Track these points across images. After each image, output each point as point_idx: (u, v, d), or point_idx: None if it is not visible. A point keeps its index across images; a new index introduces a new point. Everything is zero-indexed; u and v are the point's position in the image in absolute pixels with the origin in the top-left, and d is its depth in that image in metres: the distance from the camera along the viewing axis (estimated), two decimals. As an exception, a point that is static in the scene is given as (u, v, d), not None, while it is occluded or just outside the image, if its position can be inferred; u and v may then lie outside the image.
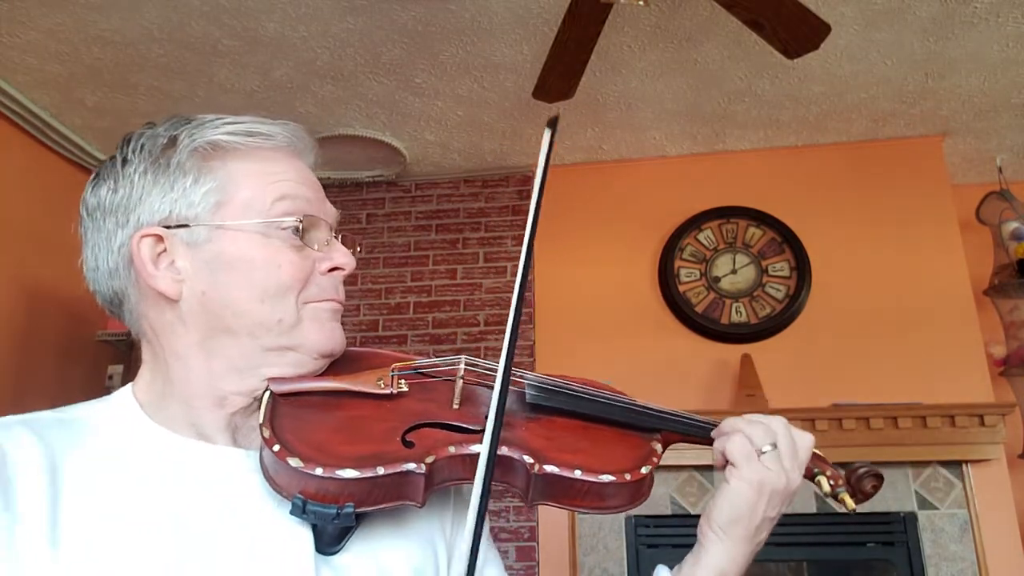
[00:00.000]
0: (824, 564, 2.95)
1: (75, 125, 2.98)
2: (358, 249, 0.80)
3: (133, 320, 0.75)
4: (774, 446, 0.75)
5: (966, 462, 2.78)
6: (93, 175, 0.75)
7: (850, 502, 0.80)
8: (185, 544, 0.64)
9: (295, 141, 0.77)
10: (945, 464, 2.80)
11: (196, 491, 0.67)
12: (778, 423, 0.77)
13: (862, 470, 0.82)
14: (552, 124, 0.75)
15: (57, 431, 0.67)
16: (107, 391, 3.35)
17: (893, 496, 2.78)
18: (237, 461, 0.71)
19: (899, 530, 2.76)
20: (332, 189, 3.52)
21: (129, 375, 3.09)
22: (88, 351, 3.17)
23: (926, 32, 2.50)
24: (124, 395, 0.74)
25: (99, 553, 0.61)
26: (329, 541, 0.68)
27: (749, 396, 2.89)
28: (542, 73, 2.24)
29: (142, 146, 0.72)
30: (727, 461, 0.76)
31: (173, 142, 0.72)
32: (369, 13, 2.40)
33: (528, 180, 3.41)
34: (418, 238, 3.43)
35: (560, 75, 2.23)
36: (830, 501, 0.82)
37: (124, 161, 0.73)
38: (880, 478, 0.81)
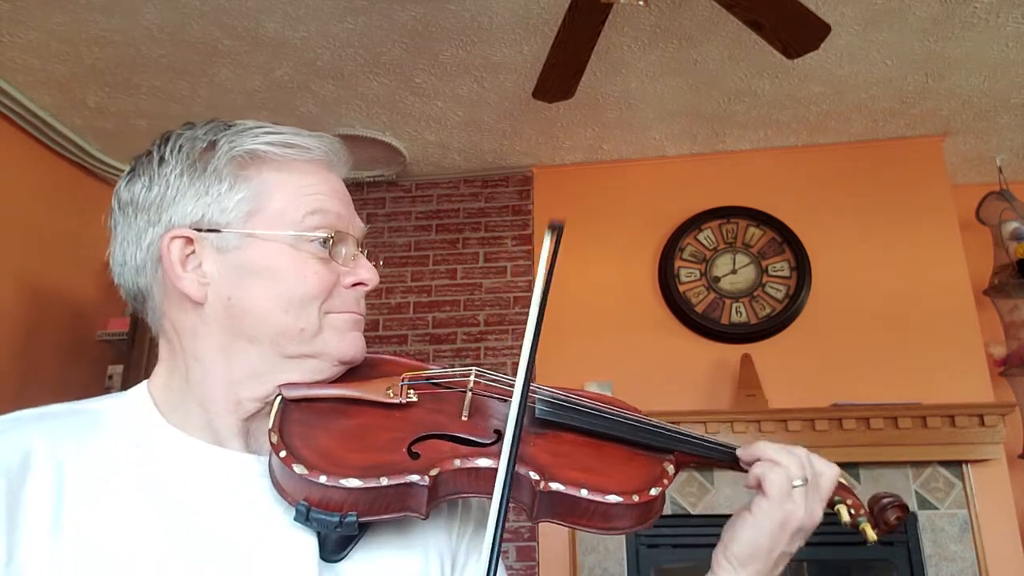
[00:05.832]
0: (824, 564, 2.95)
1: (76, 125, 2.98)
2: (380, 263, 0.80)
3: (155, 318, 0.76)
4: (805, 481, 0.74)
5: (966, 462, 2.78)
6: (128, 168, 0.76)
7: (871, 533, 0.77)
8: (190, 547, 0.64)
9: (331, 155, 0.77)
10: (945, 464, 2.80)
11: (205, 494, 0.68)
12: (804, 454, 0.76)
13: (886, 500, 0.79)
14: (556, 229, 0.71)
15: (71, 424, 0.68)
16: (107, 391, 3.34)
17: (893, 496, 2.79)
18: (248, 466, 0.71)
19: (899, 530, 2.76)
20: (332, 189, 3.52)
21: (129, 375, 3.10)
22: (89, 350, 3.17)
23: (926, 32, 2.50)
24: (140, 392, 0.74)
25: (102, 554, 0.61)
26: (333, 548, 0.68)
27: (749, 396, 2.89)
28: (542, 73, 2.24)
29: (180, 147, 0.73)
30: (758, 484, 0.75)
31: (212, 146, 0.72)
32: (369, 13, 2.40)
33: (528, 180, 3.41)
34: (418, 238, 3.43)
35: (560, 75, 2.23)
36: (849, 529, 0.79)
37: (161, 160, 0.73)
38: (905, 509, 0.79)
